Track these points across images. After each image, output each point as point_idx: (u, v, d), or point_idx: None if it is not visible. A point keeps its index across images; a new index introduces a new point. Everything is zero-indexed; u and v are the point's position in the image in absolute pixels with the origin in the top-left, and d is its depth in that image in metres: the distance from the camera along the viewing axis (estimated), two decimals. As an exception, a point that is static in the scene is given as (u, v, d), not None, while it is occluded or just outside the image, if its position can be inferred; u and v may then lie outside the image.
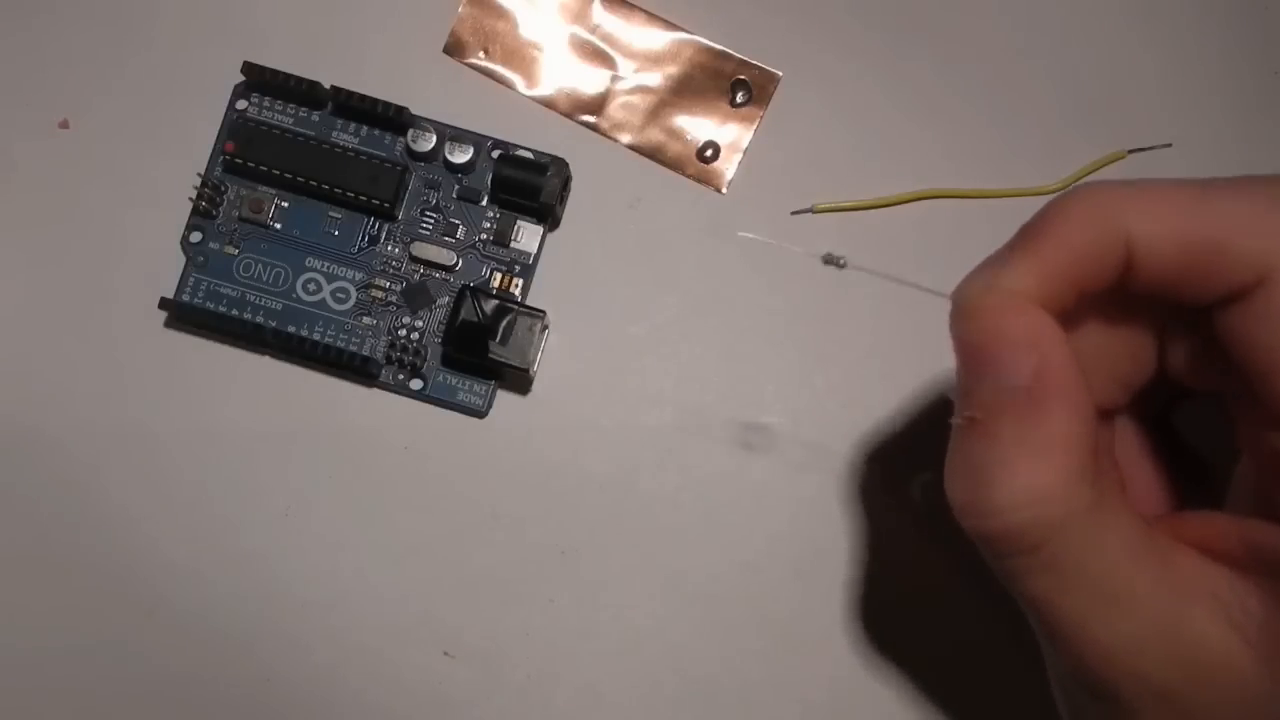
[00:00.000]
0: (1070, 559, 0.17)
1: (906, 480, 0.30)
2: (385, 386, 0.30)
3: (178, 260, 0.31)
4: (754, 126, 0.31)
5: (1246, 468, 0.19)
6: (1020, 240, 0.18)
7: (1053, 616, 0.17)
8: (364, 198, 0.30)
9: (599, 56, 0.31)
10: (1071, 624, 0.17)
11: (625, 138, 0.31)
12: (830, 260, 0.21)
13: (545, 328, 0.29)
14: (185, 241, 0.31)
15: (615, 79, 0.31)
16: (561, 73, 0.31)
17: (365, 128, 0.31)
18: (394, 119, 0.30)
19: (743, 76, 0.31)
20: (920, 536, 0.30)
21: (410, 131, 0.30)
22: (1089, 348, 0.20)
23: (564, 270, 0.31)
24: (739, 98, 0.31)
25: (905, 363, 0.30)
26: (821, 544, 0.30)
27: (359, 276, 0.30)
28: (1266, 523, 0.17)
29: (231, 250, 0.31)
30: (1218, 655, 0.16)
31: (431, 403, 0.30)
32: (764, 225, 0.31)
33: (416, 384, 0.30)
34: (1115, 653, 0.17)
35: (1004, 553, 0.17)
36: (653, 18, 0.31)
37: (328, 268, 0.31)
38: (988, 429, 0.17)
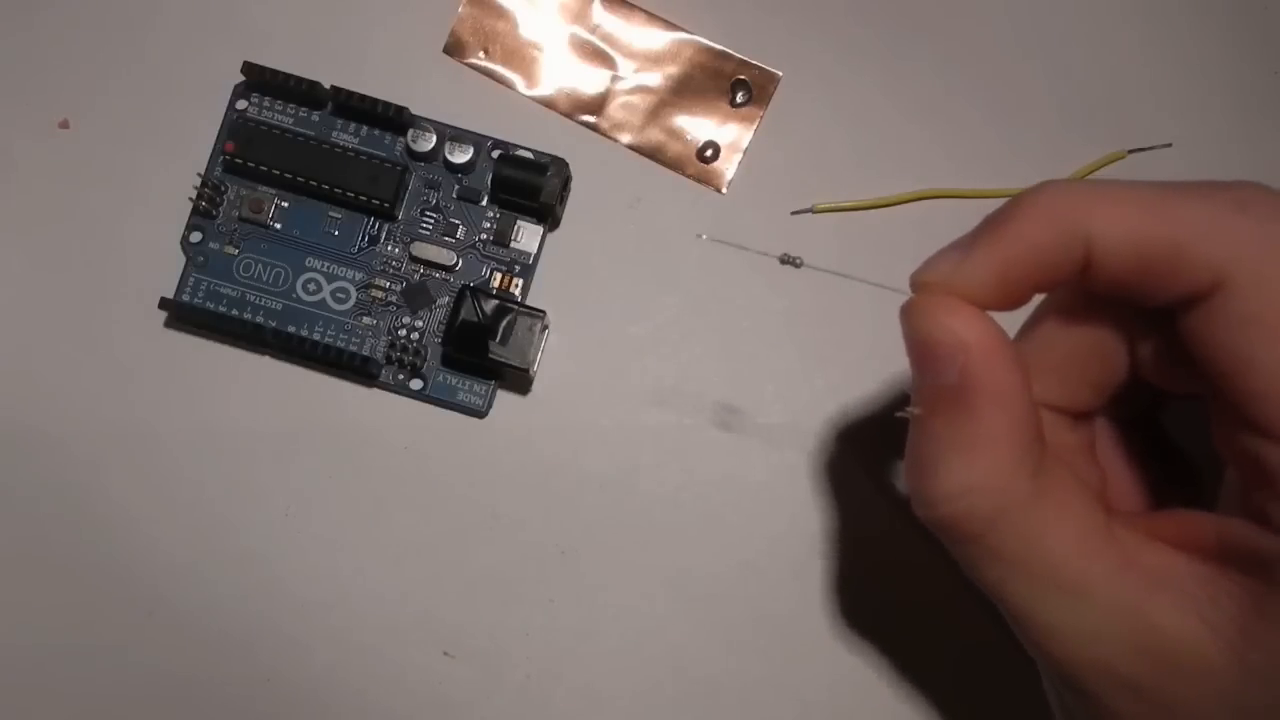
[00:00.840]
0: (1011, 548, 0.18)
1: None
2: (385, 386, 0.30)
3: (178, 260, 0.31)
4: (754, 126, 0.31)
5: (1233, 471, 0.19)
6: (983, 230, 0.19)
7: (1006, 604, 0.18)
8: (364, 198, 0.30)
9: (599, 56, 0.31)
10: (1022, 611, 0.18)
11: (625, 138, 0.31)
12: (787, 260, 0.21)
13: (545, 328, 0.29)
14: (185, 241, 0.31)
15: (615, 79, 0.31)
16: (561, 73, 0.31)
17: (365, 128, 0.31)
18: (394, 119, 0.30)
19: (743, 76, 0.31)
20: (919, 535, 0.29)
21: (410, 131, 0.30)
22: (1056, 349, 0.20)
23: (564, 270, 0.31)
24: (739, 98, 0.31)
25: (905, 362, 0.30)
26: (821, 544, 0.30)
27: (359, 276, 0.30)
28: (1241, 520, 0.17)
29: (231, 250, 0.31)
30: (1184, 646, 0.17)
31: (431, 403, 0.30)
32: (764, 225, 0.31)
33: (416, 384, 0.30)
34: (1069, 640, 0.18)
35: (950, 540, 0.18)
36: (653, 18, 0.31)
37: (328, 268, 0.31)
38: (927, 424, 0.18)
